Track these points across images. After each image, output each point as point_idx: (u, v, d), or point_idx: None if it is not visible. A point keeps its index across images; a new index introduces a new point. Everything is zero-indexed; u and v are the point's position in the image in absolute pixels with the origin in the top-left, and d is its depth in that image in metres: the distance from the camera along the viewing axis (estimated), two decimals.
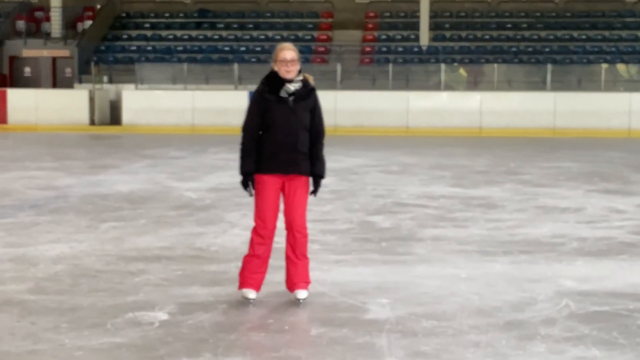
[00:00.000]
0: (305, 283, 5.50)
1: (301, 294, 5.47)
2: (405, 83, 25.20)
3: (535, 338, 4.75)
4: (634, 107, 23.24)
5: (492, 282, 6.09)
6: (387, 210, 9.48)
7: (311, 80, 5.46)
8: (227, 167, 13.69)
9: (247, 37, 29.36)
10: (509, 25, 28.99)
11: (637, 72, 25.69)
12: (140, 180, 12.10)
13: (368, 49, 28.50)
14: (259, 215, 5.35)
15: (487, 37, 28.49)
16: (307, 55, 26.78)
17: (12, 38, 29.02)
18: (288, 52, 5.33)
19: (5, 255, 6.89)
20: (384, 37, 29.18)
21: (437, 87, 25.16)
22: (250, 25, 29.96)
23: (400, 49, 27.97)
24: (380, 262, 6.75)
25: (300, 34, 29.17)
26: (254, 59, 27.17)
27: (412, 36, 28.51)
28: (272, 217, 5.36)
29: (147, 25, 30.20)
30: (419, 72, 26.04)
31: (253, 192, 5.37)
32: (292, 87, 5.33)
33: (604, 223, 8.69)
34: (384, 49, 28.22)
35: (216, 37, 29.36)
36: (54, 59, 28.75)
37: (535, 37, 28.38)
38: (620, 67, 25.75)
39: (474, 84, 25.88)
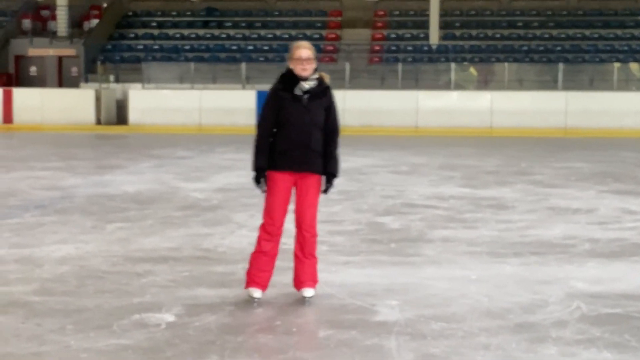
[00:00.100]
0: (313, 282, 5.50)
1: (308, 292, 5.47)
2: (414, 82, 25.08)
3: (546, 340, 4.71)
4: None
5: (502, 283, 6.03)
6: (396, 211, 9.42)
7: (327, 79, 5.46)
8: (234, 167, 13.66)
9: (255, 36, 29.29)
10: (520, 24, 28.88)
11: None
12: (147, 180, 12.07)
13: (377, 47, 28.40)
14: (268, 212, 5.37)
15: (497, 35, 28.37)
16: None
17: (17, 37, 29.03)
18: (304, 50, 5.34)
19: (11, 256, 6.86)
20: (393, 35, 29.08)
21: (447, 86, 25.03)
22: (258, 24, 29.90)
23: (409, 48, 27.86)
24: (389, 264, 6.70)
25: (308, 32, 29.05)
26: (261, 58, 27.11)
27: (422, 35, 28.40)
28: (280, 215, 5.37)
29: (154, 24, 30.19)
30: (429, 72, 25.92)
31: (265, 188, 5.37)
32: (306, 85, 5.34)
33: (616, 224, 8.62)
34: (393, 48, 28.12)
35: (224, 36, 29.30)
36: (60, 58, 28.77)
37: (547, 35, 28.25)
38: (633, 66, 25.58)
39: (484, 83, 25.75)
